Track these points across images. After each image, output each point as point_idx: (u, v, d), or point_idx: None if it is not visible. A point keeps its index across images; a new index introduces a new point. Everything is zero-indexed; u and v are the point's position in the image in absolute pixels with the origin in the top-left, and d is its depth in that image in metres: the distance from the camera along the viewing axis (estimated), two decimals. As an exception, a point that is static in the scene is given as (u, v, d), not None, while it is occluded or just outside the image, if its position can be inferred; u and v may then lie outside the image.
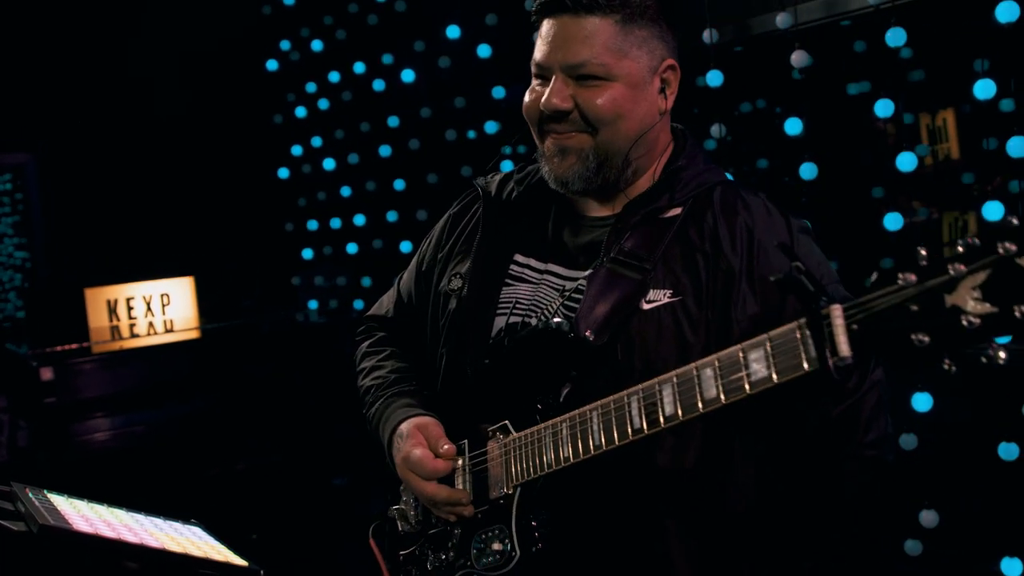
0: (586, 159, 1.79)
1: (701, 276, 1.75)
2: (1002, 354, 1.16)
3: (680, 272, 1.76)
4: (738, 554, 1.75)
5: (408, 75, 5.12)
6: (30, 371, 4.86)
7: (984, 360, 1.17)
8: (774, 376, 1.35)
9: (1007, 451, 3.01)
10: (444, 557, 1.84)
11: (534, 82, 1.85)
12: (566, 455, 1.64)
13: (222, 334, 5.82)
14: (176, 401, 5.27)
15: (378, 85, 5.30)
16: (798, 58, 3.43)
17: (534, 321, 1.83)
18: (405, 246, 5.51)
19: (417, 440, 1.84)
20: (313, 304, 6.10)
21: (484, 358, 1.85)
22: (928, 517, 3.22)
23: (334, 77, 5.70)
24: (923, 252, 1.19)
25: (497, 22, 4.71)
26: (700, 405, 1.44)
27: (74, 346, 5.37)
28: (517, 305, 1.88)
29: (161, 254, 6.25)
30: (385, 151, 5.34)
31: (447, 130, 5.03)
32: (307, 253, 6.06)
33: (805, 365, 1.31)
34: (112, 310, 5.59)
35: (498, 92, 4.76)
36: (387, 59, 5.36)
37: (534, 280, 1.90)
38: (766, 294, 1.70)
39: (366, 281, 5.67)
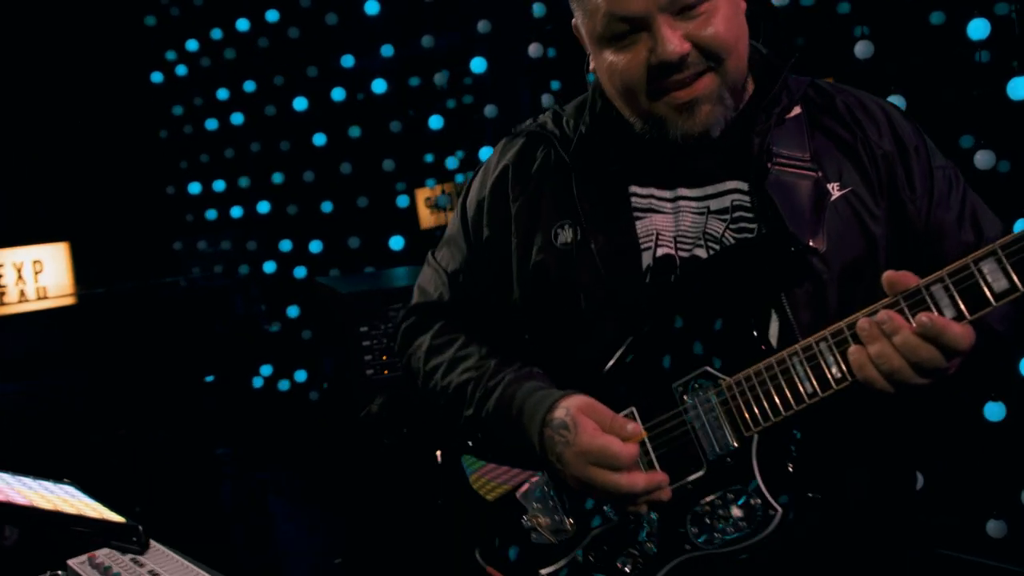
0: (722, 100, 1.58)
1: (863, 162, 1.62)
2: None
3: (839, 164, 1.62)
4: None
5: (294, 32, 4.98)
6: None
7: None
8: None
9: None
10: (639, 553, 1.57)
11: (610, 49, 1.59)
12: (811, 390, 1.43)
13: (99, 301, 5.60)
14: (51, 369, 5.06)
15: (263, 42, 5.14)
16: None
17: (700, 252, 1.60)
18: (291, 208, 5.39)
19: (591, 427, 1.53)
20: (196, 270, 5.92)
21: (650, 304, 1.59)
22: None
23: (216, 34, 5.51)
24: None
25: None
26: (992, 299, 1.32)
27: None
28: (660, 237, 1.65)
29: (33, 219, 5.97)
30: (270, 111, 5.19)
31: (334, 88, 4.91)
32: (189, 216, 5.87)
33: None
34: (-20, 277, 5.34)
35: (387, 50, 4.67)
36: (272, 16, 5.19)
37: (668, 209, 1.66)
38: (926, 171, 1.63)
39: (251, 245, 5.52)
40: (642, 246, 1.63)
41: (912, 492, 1.74)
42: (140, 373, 5.14)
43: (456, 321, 1.86)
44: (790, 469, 1.47)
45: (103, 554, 1.53)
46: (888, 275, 1.37)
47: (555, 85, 4.51)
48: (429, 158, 5.52)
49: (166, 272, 5.99)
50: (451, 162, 4.57)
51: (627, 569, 1.57)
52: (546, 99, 4.02)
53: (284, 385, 5.52)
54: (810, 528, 1.48)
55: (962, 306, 1.33)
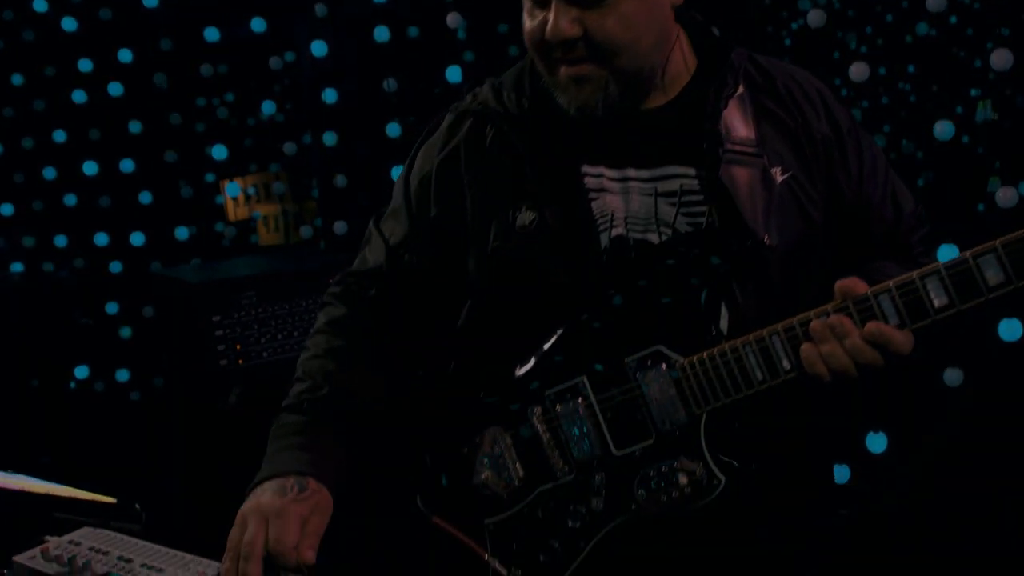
0: (606, 88, 1.61)
1: (803, 147, 1.71)
2: None
3: (780, 147, 1.70)
4: None
5: (70, 23, 4.65)
6: None
7: None
8: None
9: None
10: (586, 510, 1.66)
11: (527, 10, 1.63)
12: (761, 378, 1.57)
13: None
14: None
15: (28, 35, 4.78)
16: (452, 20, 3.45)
17: (653, 236, 1.67)
18: (70, 199, 5.10)
19: (296, 518, 1.54)
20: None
21: (609, 284, 1.66)
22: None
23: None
24: None
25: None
26: (933, 312, 1.49)
27: None
28: (614, 218, 1.70)
29: None
30: (79, 97, 4.86)
31: (112, 83, 4.65)
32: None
33: None
34: None
35: (165, 44, 4.50)
36: (40, 6, 4.84)
37: (617, 189, 1.70)
38: (858, 152, 1.75)
39: (28, 241, 5.16)
40: (599, 227, 1.70)
41: (827, 469, 1.98)
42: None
43: (380, 295, 1.87)
44: (733, 444, 1.60)
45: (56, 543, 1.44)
46: (840, 284, 1.53)
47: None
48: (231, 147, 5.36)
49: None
50: (289, 148, 4.47)
51: (573, 524, 1.66)
52: (390, 84, 4.02)
53: (100, 386, 5.22)
54: (745, 493, 1.62)
55: (905, 316, 1.50)
